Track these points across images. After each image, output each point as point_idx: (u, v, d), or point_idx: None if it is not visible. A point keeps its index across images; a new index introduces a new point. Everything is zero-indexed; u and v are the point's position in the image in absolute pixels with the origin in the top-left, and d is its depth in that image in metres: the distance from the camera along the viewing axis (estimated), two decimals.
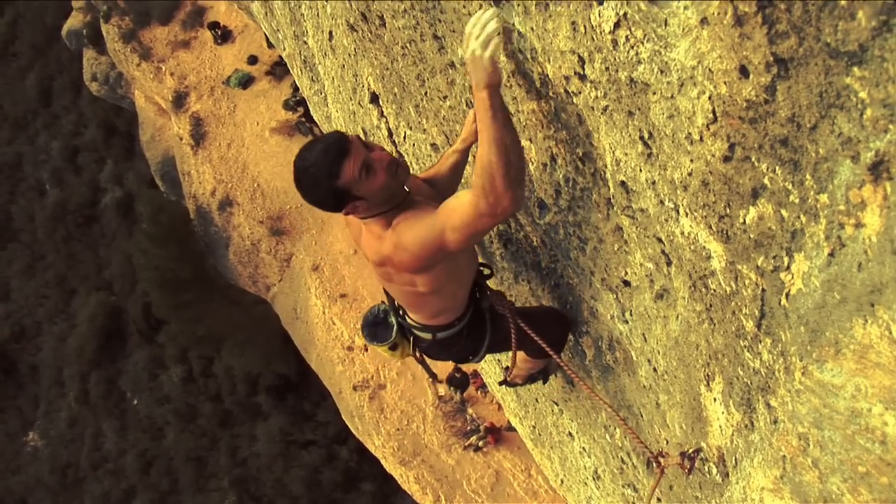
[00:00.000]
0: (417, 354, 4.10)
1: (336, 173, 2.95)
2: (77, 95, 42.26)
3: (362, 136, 6.09)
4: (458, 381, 19.74)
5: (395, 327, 3.92)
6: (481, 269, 3.91)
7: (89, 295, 41.50)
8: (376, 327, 4.03)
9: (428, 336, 3.81)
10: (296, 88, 21.55)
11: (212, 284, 28.00)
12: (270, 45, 22.67)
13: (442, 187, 3.58)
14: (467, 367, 18.84)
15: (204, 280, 27.69)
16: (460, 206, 2.85)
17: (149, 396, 38.45)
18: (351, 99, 5.77)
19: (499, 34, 2.50)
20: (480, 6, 2.68)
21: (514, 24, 2.57)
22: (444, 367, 19.98)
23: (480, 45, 2.52)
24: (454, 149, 3.65)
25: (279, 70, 24.33)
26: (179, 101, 26.54)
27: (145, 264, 28.75)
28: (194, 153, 25.87)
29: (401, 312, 3.88)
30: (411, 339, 3.94)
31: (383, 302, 4.08)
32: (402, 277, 3.37)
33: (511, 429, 17.56)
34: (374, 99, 5.15)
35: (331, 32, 5.26)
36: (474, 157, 3.53)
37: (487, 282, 3.95)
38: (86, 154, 43.39)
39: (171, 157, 28.31)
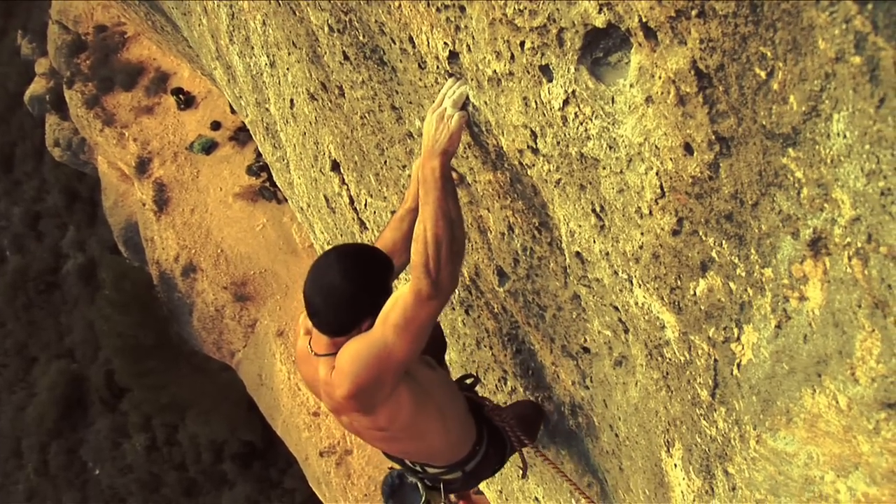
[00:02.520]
0: (453, 498, 3.82)
1: (390, 274, 2.88)
2: (39, 161, 41.95)
3: (324, 202, 6.12)
4: None
5: (420, 485, 3.54)
6: (465, 380, 3.77)
7: (50, 363, 40.73)
8: (397, 496, 3.64)
9: (457, 475, 3.52)
10: (259, 154, 21.57)
11: (175, 351, 27.62)
12: (233, 111, 22.74)
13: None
14: None
15: (167, 347, 27.31)
16: (398, 301, 2.65)
17: (111, 466, 37.57)
18: (312, 166, 5.80)
19: (467, 104, 2.53)
20: (436, 80, 2.73)
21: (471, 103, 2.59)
22: None
23: (452, 104, 2.52)
24: (406, 209, 3.13)
25: (242, 135, 24.35)
26: (142, 166, 26.44)
27: (108, 331, 28.35)
28: (157, 219, 25.72)
29: (417, 467, 3.53)
30: (441, 486, 3.57)
31: (391, 468, 3.74)
32: (365, 421, 3.03)
33: (479, 492, 17.33)
34: (336, 167, 5.18)
35: (292, 100, 5.31)
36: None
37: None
38: (47, 220, 42.96)
39: (134, 222, 28.11)
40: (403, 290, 2.64)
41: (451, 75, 2.58)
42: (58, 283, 42.17)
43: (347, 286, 2.76)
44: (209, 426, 29.60)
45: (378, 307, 2.74)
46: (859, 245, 1.32)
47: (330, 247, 3.21)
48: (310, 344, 2.99)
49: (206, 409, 28.88)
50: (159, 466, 35.54)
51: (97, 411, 38.76)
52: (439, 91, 2.64)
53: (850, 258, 1.37)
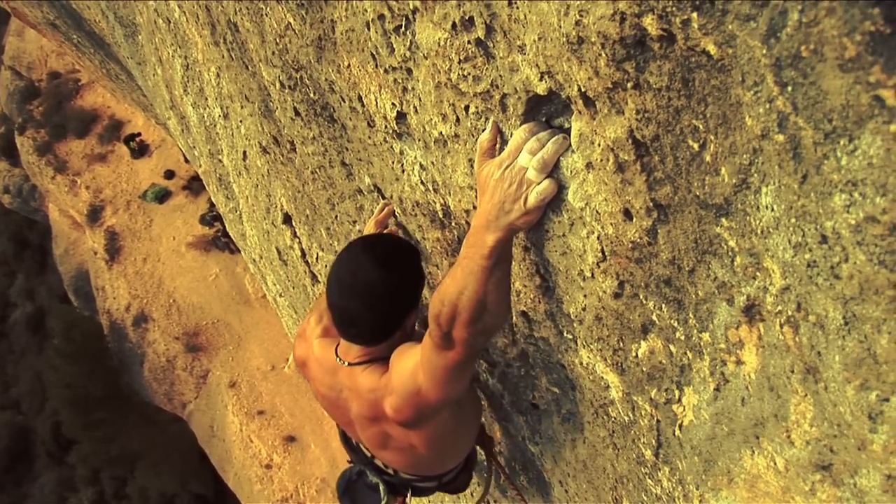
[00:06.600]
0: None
1: (419, 256, 2.59)
2: None
3: (276, 254, 6.10)
4: None
5: (381, 487, 3.21)
6: None
7: None
8: (351, 493, 3.29)
9: (432, 484, 3.31)
10: (212, 204, 21.52)
11: (126, 402, 27.16)
12: (188, 160, 22.69)
13: None
14: None
15: (117, 398, 26.85)
16: (423, 344, 2.33)
17: None
18: (265, 218, 5.79)
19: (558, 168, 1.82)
20: (384, 139, 2.75)
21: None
22: None
23: (539, 164, 1.79)
24: None
25: (196, 185, 24.29)
26: (94, 214, 26.20)
27: (56, 382, 27.81)
28: (109, 268, 25.43)
29: (390, 470, 3.22)
30: (409, 491, 3.30)
31: (350, 461, 3.42)
32: (401, 435, 2.77)
33: None
34: (287, 220, 5.19)
35: (245, 152, 5.31)
36: None
37: None
38: None
39: (85, 271, 27.77)
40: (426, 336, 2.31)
41: (531, 120, 1.85)
42: (5, 332, 41.35)
43: (388, 276, 2.49)
44: (159, 479, 29.02)
45: (418, 297, 2.59)
46: (790, 313, 1.35)
47: (347, 244, 2.77)
48: (337, 353, 2.78)
49: (156, 462, 28.36)
50: None
51: (43, 464, 37.81)
52: (507, 138, 1.93)
53: (781, 325, 1.40)
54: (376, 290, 2.49)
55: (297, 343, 3.20)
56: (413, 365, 2.43)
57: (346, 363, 2.74)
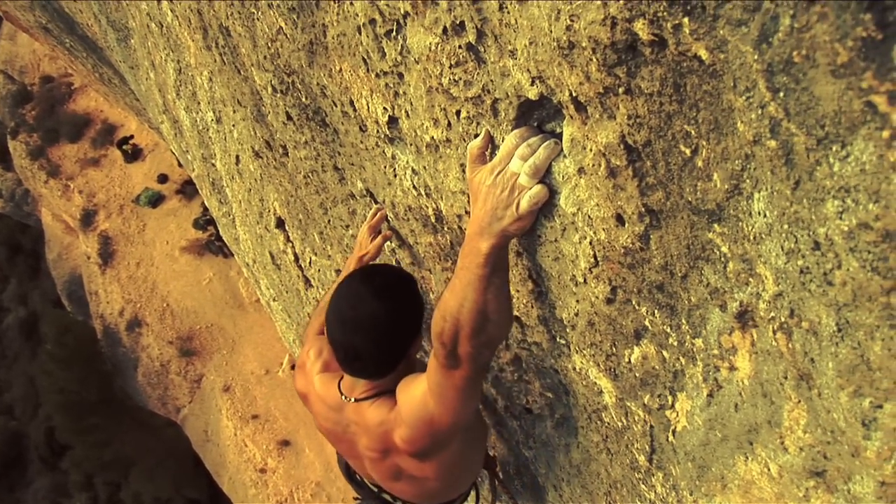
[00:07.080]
0: None
1: (421, 312, 2.53)
2: None
3: (269, 259, 6.09)
4: None
5: None
6: None
7: None
8: None
9: None
10: (206, 208, 21.47)
11: (119, 407, 27.05)
12: (181, 164, 22.64)
13: None
14: None
15: (111, 402, 26.75)
16: (430, 366, 2.29)
17: None
18: (258, 223, 5.77)
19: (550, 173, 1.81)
20: (376, 143, 2.74)
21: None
22: None
23: (531, 170, 1.79)
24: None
25: (189, 189, 24.22)
26: (88, 219, 26.12)
27: (49, 387, 27.69)
28: (102, 272, 25.36)
29: (399, 503, 3.19)
30: None
31: (357, 498, 3.42)
32: (413, 466, 2.73)
33: None
34: (280, 224, 5.17)
35: (237, 157, 5.30)
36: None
37: None
38: None
39: (79, 276, 27.67)
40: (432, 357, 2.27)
41: (522, 125, 1.85)
42: None
43: (388, 307, 2.46)
44: (153, 483, 28.92)
45: (419, 323, 2.56)
46: (783, 319, 1.35)
47: (342, 278, 2.76)
48: (340, 390, 2.75)
49: (150, 466, 28.26)
50: None
51: (36, 470, 37.67)
52: (499, 143, 1.92)
53: (774, 332, 1.39)
54: (378, 322, 2.46)
55: (297, 375, 3.15)
56: (421, 393, 2.40)
57: (353, 399, 2.70)
